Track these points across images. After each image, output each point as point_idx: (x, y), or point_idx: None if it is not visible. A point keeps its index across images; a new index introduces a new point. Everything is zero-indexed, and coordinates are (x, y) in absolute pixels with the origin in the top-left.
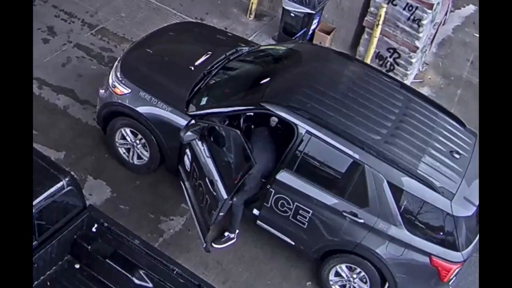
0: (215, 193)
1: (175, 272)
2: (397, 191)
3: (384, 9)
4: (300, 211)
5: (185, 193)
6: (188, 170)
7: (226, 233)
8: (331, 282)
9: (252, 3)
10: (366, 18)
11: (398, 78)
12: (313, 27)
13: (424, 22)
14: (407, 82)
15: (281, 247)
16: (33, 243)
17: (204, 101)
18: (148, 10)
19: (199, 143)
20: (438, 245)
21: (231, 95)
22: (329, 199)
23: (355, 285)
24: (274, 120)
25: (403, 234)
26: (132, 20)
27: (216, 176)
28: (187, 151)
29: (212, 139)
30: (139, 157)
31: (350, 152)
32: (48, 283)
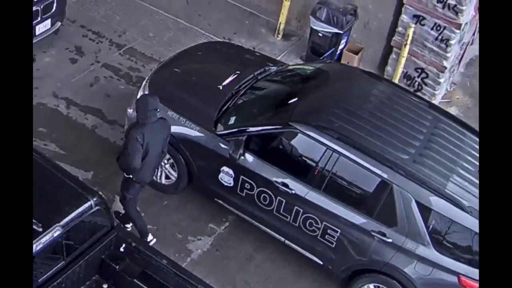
0: (292, 191)
1: None
2: (425, 211)
3: (412, 29)
4: (329, 231)
5: (228, 206)
6: (232, 185)
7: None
8: None
9: (280, 23)
10: (394, 38)
11: (426, 98)
12: (341, 47)
13: (452, 42)
14: (435, 101)
15: (309, 267)
16: (61, 263)
17: (232, 120)
18: (176, 30)
19: (247, 155)
20: (466, 264)
21: (260, 114)
22: (358, 219)
23: None
24: None
25: (432, 253)
26: (160, 40)
27: (286, 175)
28: (224, 168)
29: (256, 146)
30: (167, 177)
31: (379, 172)
32: None
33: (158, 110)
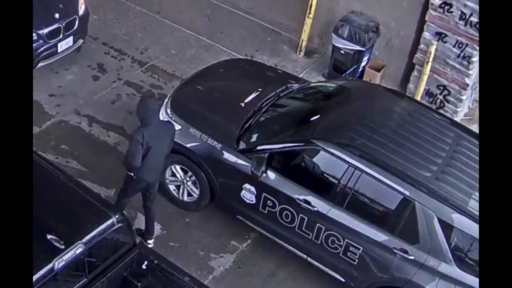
0: (315, 208)
1: None
2: (447, 228)
3: (434, 46)
4: (351, 248)
5: (250, 223)
6: (254, 202)
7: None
8: None
9: (302, 40)
10: (416, 55)
11: (448, 115)
12: (363, 64)
13: (474, 59)
14: (457, 119)
15: (331, 284)
16: (83, 280)
17: (254, 138)
18: (198, 47)
19: (269, 173)
20: None
21: (282, 132)
22: (380, 236)
23: None
24: None
25: (454, 271)
26: (182, 57)
27: (308, 193)
28: (246, 185)
29: (278, 163)
30: (189, 194)
31: (401, 189)
32: None
33: (159, 110)
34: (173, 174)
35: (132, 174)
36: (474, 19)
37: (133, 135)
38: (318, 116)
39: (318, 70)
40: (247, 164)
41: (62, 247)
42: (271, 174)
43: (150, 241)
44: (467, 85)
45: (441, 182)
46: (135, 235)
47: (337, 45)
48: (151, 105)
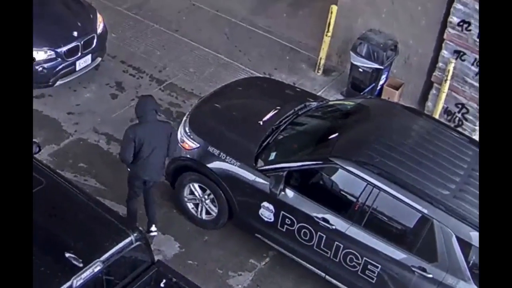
0: (333, 226)
1: None
2: (465, 246)
3: (453, 64)
4: (369, 266)
5: (268, 241)
6: (272, 220)
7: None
8: None
9: (321, 58)
10: (434, 73)
11: (466, 133)
12: (381, 82)
13: None
14: (476, 137)
15: None
16: None
17: (272, 156)
18: (216, 65)
19: (287, 191)
20: None
21: (300, 150)
22: (398, 254)
23: None
24: None
25: None
26: (200, 75)
27: (327, 211)
28: (265, 203)
29: (297, 181)
30: (207, 212)
31: (419, 207)
32: None
33: (158, 112)
34: (192, 192)
35: (128, 169)
36: None
37: (126, 130)
38: (336, 134)
39: (337, 88)
40: (265, 182)
41: (81, 265)
42: (290, 192)
43: (153, 229)
44: None
45: (459, 200)
46: (153, 253)
47: (355, 63)
48: (149, 104)
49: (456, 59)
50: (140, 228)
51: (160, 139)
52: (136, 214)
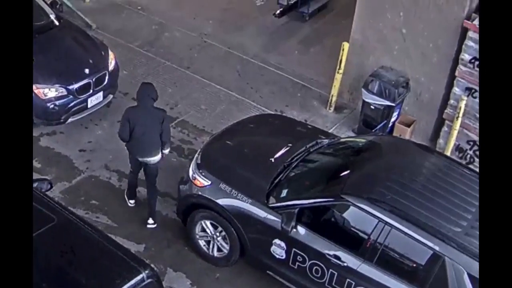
0: (345, 263)
1: None
2: (477, 283)
3: (464, 102)
4: None
5: (280, 278)
6: (284, 257)
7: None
8: None
9: (332, 95)
10: (446, 111)
11: (478, 170)
12: (393, 119)
13: None
14: None
15: None
16: None
17: (284, 193)
18: (228, 102)
19: (299, 228)
20: None
21: (312, 187)
22: None
23: None
24: None
25: None
26: (212, 113)
27: (338, 248)
28: (276, 241)
29: (308, 218)
30: (219, 250)
31: (431, 244)
32: None
33: (154, 99)
34: (203, 230)
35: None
36: None
37: (124, 112)
38: (348, 171)
39: (348, 125)
40: (277, 219)
41: None
42: (301, 230)
43: (150, 221)
44: None
45: (471, 237)
46: None
47: (367, 100)
48: (147, 91)
49: (467, 96)
50: (152, 265)
51: (151, 123)
52: (134, 187)
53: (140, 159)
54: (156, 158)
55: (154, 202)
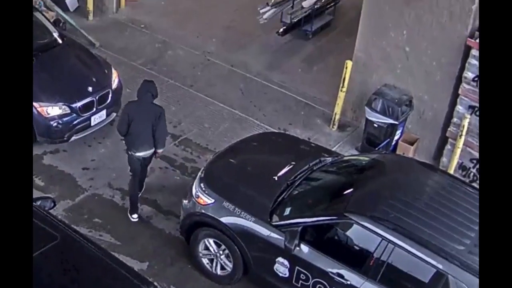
0: (348, 281)
1: None
2: None
3: (468, 120)
4: None
5: None
6: (287, 275)
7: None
8: None
9: (336, 113)
10: (449, 129)
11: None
12: (396, 137)
13: None
14: None
15: None
16: None
17: (287, 211)
18: (231, 120)
19: (302, 246)
20: None
21: (315, 205)
22: None
23: None
24: None
25: None
26: (215, 131)
27: (341, 266)
28: (280, 259)
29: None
30: (222, 268)
31: (434, 263)
32: None
33: (154, 95)
34: (206, 248)
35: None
36: None
37: (123, 106)
38: (351, 189)
39: (351, 144)
40: (280, 237)
41: None
42: (304, 248)
43: (134, 215)
44: None
45: (474, 256)
46: None
47: (370, 118)
48: (147, 87)
49: (471, 114)
50: (155, 283)
51: (148, 118)
52: (136, 197)
53: (136, 153)
54: (149, 152)
55: (136, 197)
